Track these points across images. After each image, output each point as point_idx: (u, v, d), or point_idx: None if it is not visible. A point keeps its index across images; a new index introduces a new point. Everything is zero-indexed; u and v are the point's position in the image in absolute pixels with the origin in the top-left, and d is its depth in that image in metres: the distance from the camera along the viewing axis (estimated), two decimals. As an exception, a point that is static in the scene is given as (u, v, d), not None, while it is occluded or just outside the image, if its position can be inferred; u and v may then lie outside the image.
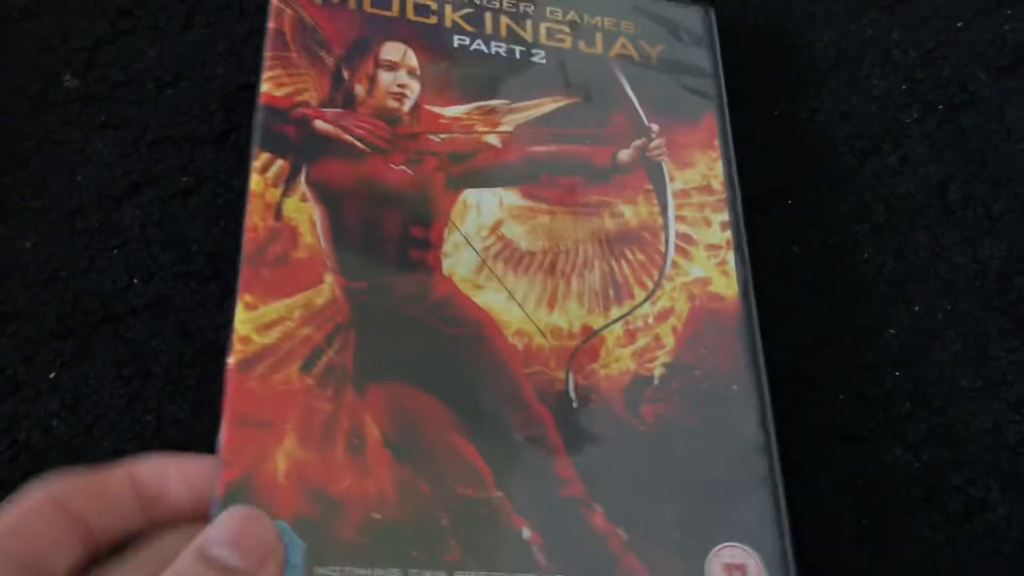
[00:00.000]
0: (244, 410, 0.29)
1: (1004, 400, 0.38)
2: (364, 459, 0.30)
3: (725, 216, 0.38)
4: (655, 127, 0.39)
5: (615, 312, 0.35)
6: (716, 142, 0.39)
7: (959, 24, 0.46)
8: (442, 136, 0.36)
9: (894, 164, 0.43)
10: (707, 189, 0.38)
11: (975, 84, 0.45)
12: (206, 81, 0.42)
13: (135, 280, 0.37)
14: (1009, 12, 0.47)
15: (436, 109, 0.37)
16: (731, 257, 0.37)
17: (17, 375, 0.35)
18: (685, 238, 0.37)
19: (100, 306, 0.37)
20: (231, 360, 0.30)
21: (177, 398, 0.36)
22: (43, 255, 0.38)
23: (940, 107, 0.44)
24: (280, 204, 0.33)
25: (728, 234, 0.37)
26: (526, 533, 0.30)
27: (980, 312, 0.40)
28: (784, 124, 0.44)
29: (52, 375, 0.36)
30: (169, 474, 0.28)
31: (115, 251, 0.38)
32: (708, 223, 0.38)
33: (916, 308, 0.40)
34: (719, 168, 0.39)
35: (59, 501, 0.26)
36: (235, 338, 0.30)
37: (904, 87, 0.45)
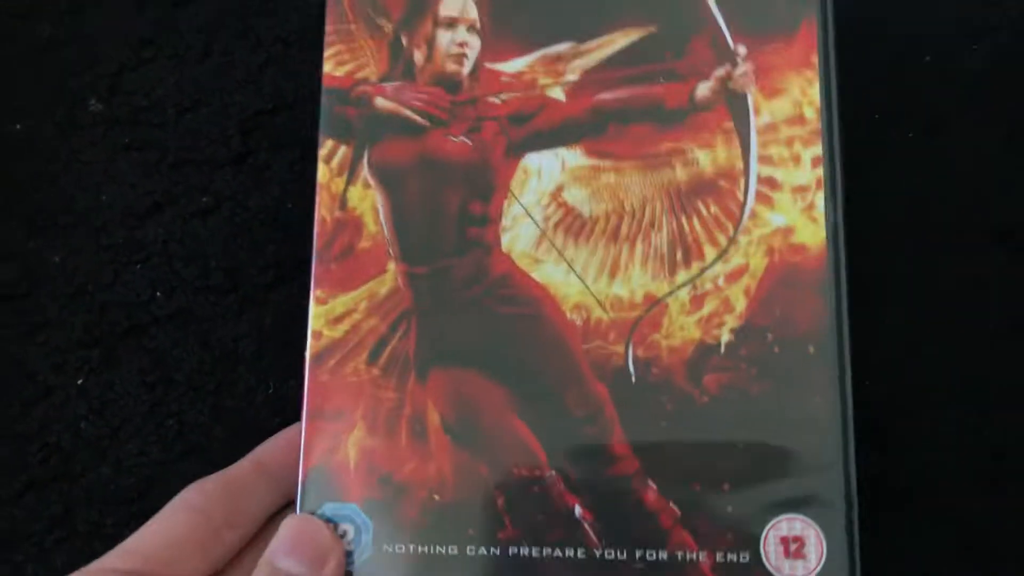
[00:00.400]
0: (319, 403, 0.33)
1: (977, 406, 0.38)
2: (426, 444, 0.32)
3: (818, 150, 0.34)
4: (742, 49, 0.35)
5: (681, 276, 0.34)
6: (814, 58, 0.35)
7: (926, 58, 0.42)
8: (503, 97, 0.35)
9: (869, 186, 0.41)
10: (799, 120, 0.35)
11: (946, 109, 0.42)
12: (224, 107, 0.44)
13: (158, 293, 0.42)
14: (977, 41, 0.42)
15: (497, 66, 0.36)
16: (820, 199, 0.34)
17: (47, 381, 0.41)
18: (768, 182, 0.34)
19: (125, 317, 0.41)
20: (308, 354, 0.33)
21: (198, 403, 0.40)
22: (71, 269, 0.42)
23: (911, 135, 0.41)
24: (345, 194, 0.35)
25: (819, 171, 0.34)
26: (578, 511, 0.32)
27: (953, 328, 0.39)
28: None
29: (80, 381, 0.41)
30: (293, 449, 0.32)
31: (139, 266, 0.42)
32: (797, 160, 0.34)
33: (891, 323, 0.39)
34: (814, 91, 0.35)
35: (192, 505, 0.31)
36: (309, 333, 0.33)
37: (876, 116, 0.42)
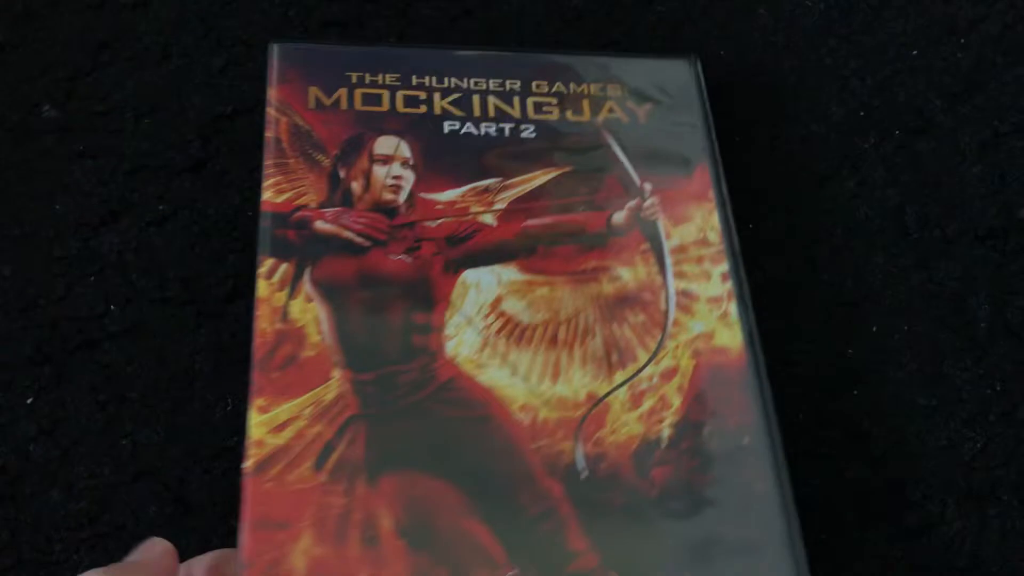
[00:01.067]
0: (262, 513, 0.31)
1: (959, 418, 0.39)
2: (379, 550, 0.31)
3: (725, 267, 0.38)
4: (648, 186, 0.40)
5: (619, 377, 0.35)
6: (711, 193, 0.40)
7: (914, 52, 0.47)
8: (438, 221, 0.38)
9: (852, 188, 0.44)
10: (704, 242, 0.39)
11: (930, 110, 0.46)
12: (183, 111, 0.43)
13: (112, 306, 0.39)
14: (962, 40, 0.48)
15: (431, 196, 0.38)
16: (733, 308, 0.37)
17: None
18: (686, 294, 0.37)
19: (77, 332, 0.38)
20: (247, 464, 0.32)
21: (153, 422, 0.37)
22: (21, 282, 0.39)
23: (896, 132, 0.45)
24: (286, 307, 0.35)
25: (729, 285, 0.38)
26: (543, 609, 0.31)
27: (935, 332, 0.41)
28: (745, 151, 0.45)
29: (29, 400, 0.37)
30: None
31: (92, 278, 0.39)
32: (707, 276, 0.38)
33: (873, 328, 0.41)
34: (715, 219, 0.39)
35: None
36: (250, 442, 0.32)
37: (862, 113, 0.46)
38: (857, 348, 0.40)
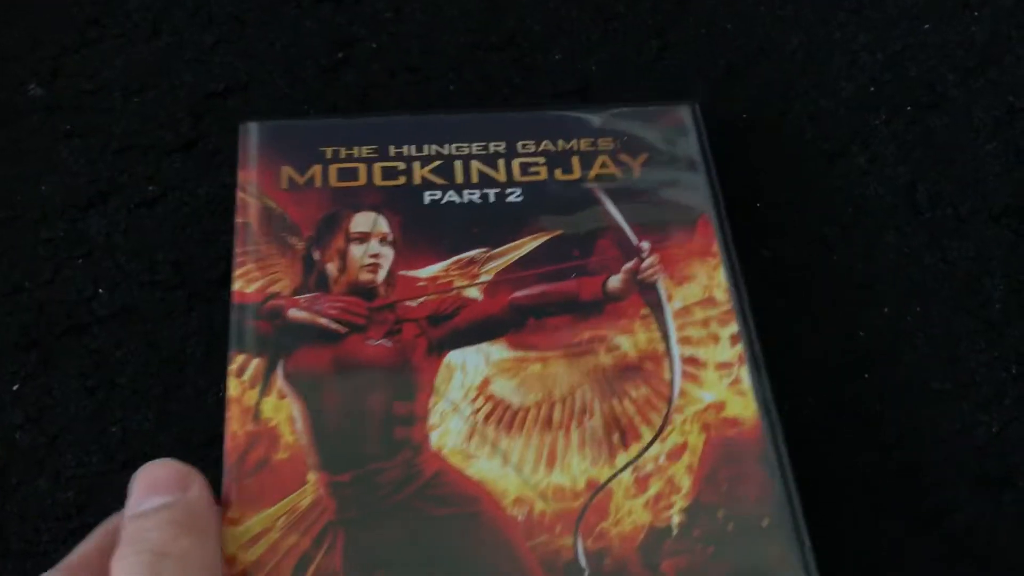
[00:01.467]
0: (234, 638, 0.28)
1: (973, 402, 0.37)
2: (361, 673, 0.28)
3: (734, 328, 0.35)
4: (646, 245, 0.37)
5: (621, 459, 0.32)
6: (715, 247, 0.37)
7: (926, 26, 0.46)
8: (419, 300, 0.35)
9: (862, 165, 0.43)
10: (710, 301, 0.36)
11: (942, 85, 0.45)
12: (173, 89, 0.43)
13: (100, 290, 0.38)
14: (976, 13, 0.46)
15: (412, 273, 0.36)
16: (745, 373, 0.34)
17: None
18: (691, 361, 0.34)
19: (65, 316, 0.37)
20: (219, 584, 0.29)
21: (143, 409, 0.36)
22: (7, 265, 0.38)
23: (908, 108, 0.44)
24: (258, 406, 0.32)
25: (740, 348, 0.35)
26: None
27: (949, 313, 0.39)
28: (752, 127, 0.43)
29: (15, 387, 0.36)
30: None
31: (80, 260, 0.38)
32: (716, 339, 0.35)
33: (885, 310, 0.39)
34: (720, 275, 0.36)
35: None
36: (222, 560, 0.29)
37: (872, 89, 0.44)
38: (868, 330, 0.39)
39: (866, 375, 0.37)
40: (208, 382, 0.37)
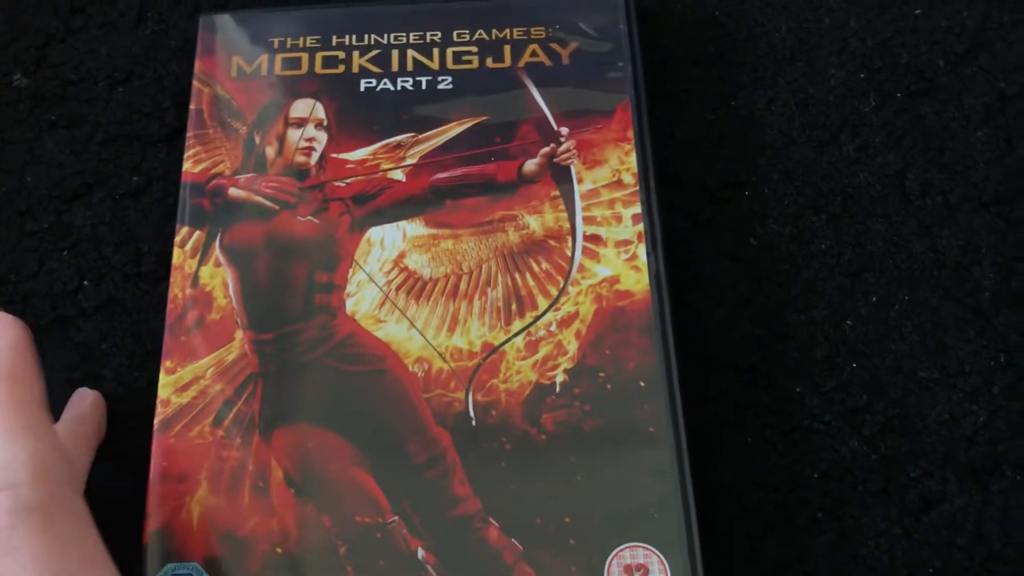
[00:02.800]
0: (164, 466, 0.33)
1: (961, 391, 0.37)
2: (268, 500, 0.32)
3: (637, 208, 0.37)
4: (565, 130, 0.39)
5: (516, 326, 0.35)
6: (630, 133, 0.39)
7: (916, 12, 0.45)
8: (347, 181, 0.38)
9: (851, 153, 0.42)
10: (618, 184, 0.38)
11: (933, 72, 0.43)
12: (159, 79, 0.42)
13: (85, 282, 0.38)
14: None
15: (342, 156, 0.39)
16: (642, 251, 0.37)
17: None
18: (593, 239, 0.37)
19: (50, 308, 0.38)
20: (155, 422, 0.34)
21: (129, 400, 0.36)
22: None
23: (898, 95, 0.43)
24: (197, 272, 0.36)
25: (640, 227, 0.37)
26: (420, 553, 0.32)
27: (937, 302, 0.39)
28: (741, 114, 0.43)
29: None
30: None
31: (65, 252, 0.39)
32: (619, 219, 0.37)
33: (873, 298, 0.39)
34: (632, 159, 0.38)
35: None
36: (158, 401, 0.34)
37: (862, 75, 0.43)
38: (856, 319, 0.39)
39: (854, 364, 0.38)
40: None
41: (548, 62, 0.41)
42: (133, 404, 0.39)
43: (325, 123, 0.39)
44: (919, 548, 0.35)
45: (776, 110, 0.43)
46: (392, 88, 0.40)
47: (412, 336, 0.35)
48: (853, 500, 0.36)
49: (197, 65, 0.41)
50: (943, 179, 0.41)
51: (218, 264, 0.37)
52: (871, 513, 0.35)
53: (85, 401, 0.35)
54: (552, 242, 0.37)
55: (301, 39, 0.42)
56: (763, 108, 0.43)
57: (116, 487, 0.36)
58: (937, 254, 0.40)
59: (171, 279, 0.36)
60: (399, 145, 0.39)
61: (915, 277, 0.39)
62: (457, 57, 0.41)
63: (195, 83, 0.41)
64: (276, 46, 0.41)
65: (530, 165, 0.38)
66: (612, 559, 0.31)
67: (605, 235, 0.37)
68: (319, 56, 0.41)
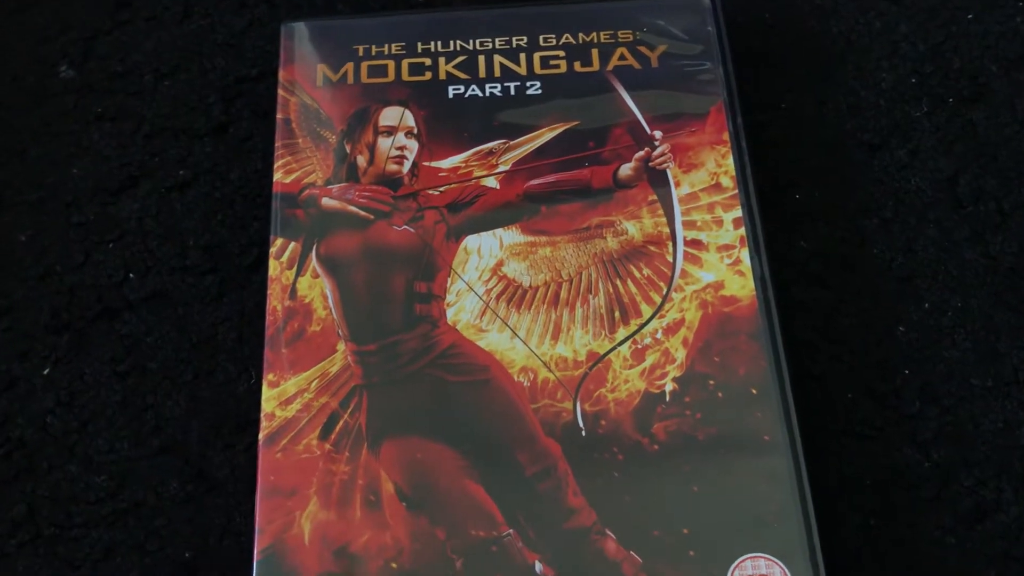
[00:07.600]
0: (272, 482, 0.33)
1: (1016, 399, 0.36)
2: (380, 513, 0.32)
3: (738, 212, 0.37)
4: (658, 134, 0.39)
5: (621, 334, 0.35)
6: (725, 136, 0.38)
7: (969, 16, 0.44)
8: (441, 189, 0.38)
9: (903, 158, 0.41)
10: (717, 187, 0.37)
11: (985, 77, 0.43)
12: (204, 73, 0.42)
13: (131, 274, 0.38)
14: (1020, 3, 0.44)
15: (434, 164, 0.38)
16: (745, 255, 0.36)
17: (11, 371, 0.37)
18: (695, 244, 0.36)
19: (96, 300, 0.38)
20: (260, 437, 0.33)
21: (174, 394, 0.36)
22: (38, 249, 0.39)
23: (950, 100, 0.42)
24: (294, 284, 0.36)
25: (742, 231, 0.36)
26: (538, 567, 0.31)
27: (990, 309, 0.38)
28: (791, 118, 0.42)
29: (46, 371, 0.37)
30: None
31: (111, 244, 0.39)
32: (720, 223, 0.37)
33: (926, 305, 0.38)
34: (729, 162, 0.38)
35: None
36: (262, 415, 0.34)
37: (913, 80, 0.43)
38: (908, 325, 0.38)
39: (906, 371, 0.37)
40: (239, 368, 0.37)
41: (637, 65, 0.40)
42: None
43: (415, 131, 0.39)
44: (973, 558, 0.34)
45: (826, 113, 0.42)
46: (481, 94, 0.40)
47: (515, 345, 0.35)
48: (906, 508, 0.35)
49: (282, 74, 0.41)
50: (996, 185, 0.40)
51: (315, 275, 0.36)
52: (924, 522, 0.34)
53: None
54: (652, 247, 0.36)
55: (386, 46, 0.41)
56: (814, 112, 0.42)
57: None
58: (990, 260, 0.39)
59: (269, 290, 0.36)
60: (490, 152, 0.39)
61: (968, 283, 0.39)
62: (544, 62, 0.41)
63: (280, 92, 0.40)
64: (361, 54, 0.41)
65: (625, 170, 0.38)
66: (734, 570, 0.31)
67: (706, 240, 0.36)
68: (405, 63, 0.41)
